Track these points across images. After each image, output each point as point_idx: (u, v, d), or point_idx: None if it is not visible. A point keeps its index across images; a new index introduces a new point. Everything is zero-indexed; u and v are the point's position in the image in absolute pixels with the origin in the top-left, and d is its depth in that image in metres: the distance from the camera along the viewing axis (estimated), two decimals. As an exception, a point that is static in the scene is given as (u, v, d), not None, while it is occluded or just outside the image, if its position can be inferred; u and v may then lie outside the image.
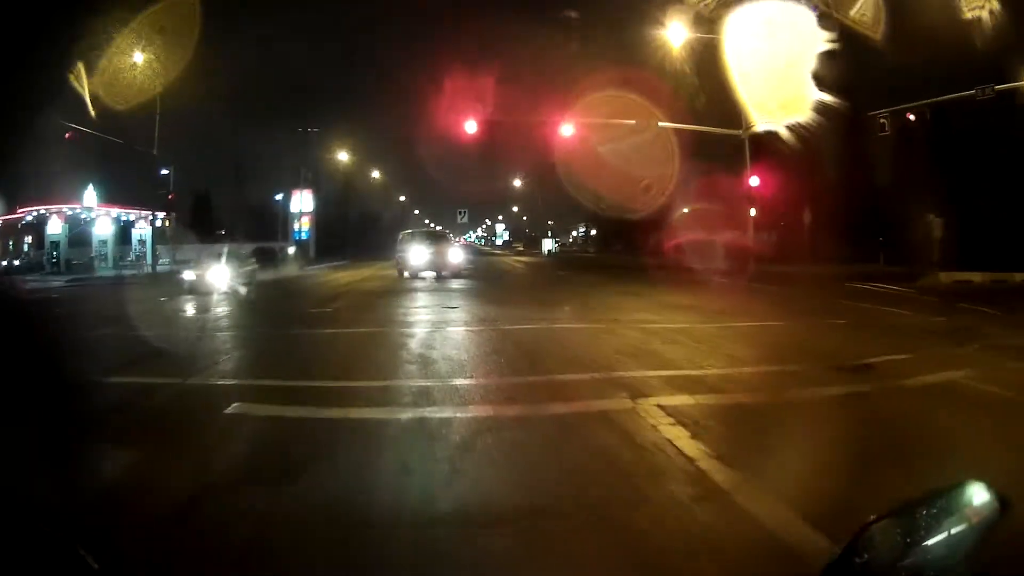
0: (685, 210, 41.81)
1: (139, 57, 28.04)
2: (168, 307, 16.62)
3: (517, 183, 71.97)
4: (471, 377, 7.44)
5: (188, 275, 20.47)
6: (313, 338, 11.16)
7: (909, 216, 30.62)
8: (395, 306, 15.99)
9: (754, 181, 29.73)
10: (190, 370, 7.84)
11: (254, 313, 16.03)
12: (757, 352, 9.38)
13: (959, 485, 1.13)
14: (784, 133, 27.38)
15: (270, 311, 16.45)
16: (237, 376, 7.89)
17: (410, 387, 6.96)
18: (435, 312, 14.50)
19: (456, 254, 29.09)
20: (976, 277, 22.94)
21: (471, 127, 28.13)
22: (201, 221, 62.54)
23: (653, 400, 6.21)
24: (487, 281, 25.76)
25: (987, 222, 25.53)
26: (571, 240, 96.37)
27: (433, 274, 25.96)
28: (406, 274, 26.62)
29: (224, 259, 21.07)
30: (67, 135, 28.24)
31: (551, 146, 37.94)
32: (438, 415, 5.79)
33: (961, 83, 23.89)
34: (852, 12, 25.02)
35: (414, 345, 9.81)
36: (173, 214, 43.22)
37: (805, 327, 11.99)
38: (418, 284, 23.59)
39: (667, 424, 5.38)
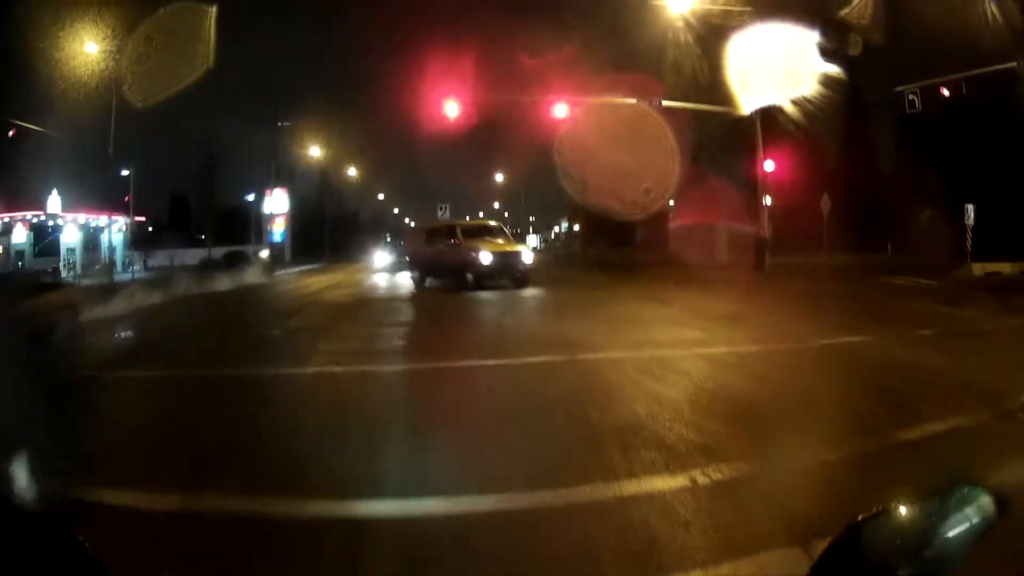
0: (671, 203, 38.02)
1: (92, 47, 26.12)
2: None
3: (499, 178, 68.09)
4: (460, 492, 3.91)
5: None
6: (242, 387, 7.64)
7: (918, 204, 28.66)
8: (356, 327, 12.51)
9: (769, 166, 26.50)
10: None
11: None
12: (894, 394, 5.95)
13: (954, 485, 0.96)
14: (789, 108, 24.55)
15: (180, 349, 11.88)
16: (85, 478, 4.19)
17: (354, 526, 3.53)
18: (405, 335, 11.15)
19: (528, 255, 20.42)
20: (1005, 268, 21.25)
21: (452, 110, 24.90)
22: (179, 224, 59.08)
23: None
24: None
25: (1003, 209, 23.08)
26: (553, 236, 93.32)
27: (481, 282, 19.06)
28: (428, 282, 21.55)
29: None
30: (10, 133, 26.57)
31: (538, 134, 34.90)
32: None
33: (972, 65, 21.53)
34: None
35: (369, 404, 6.37)
36: (136, 218, 41.56)
37: (899, 344, 8.63)
38: (386, 294, 20.11)
39: None
